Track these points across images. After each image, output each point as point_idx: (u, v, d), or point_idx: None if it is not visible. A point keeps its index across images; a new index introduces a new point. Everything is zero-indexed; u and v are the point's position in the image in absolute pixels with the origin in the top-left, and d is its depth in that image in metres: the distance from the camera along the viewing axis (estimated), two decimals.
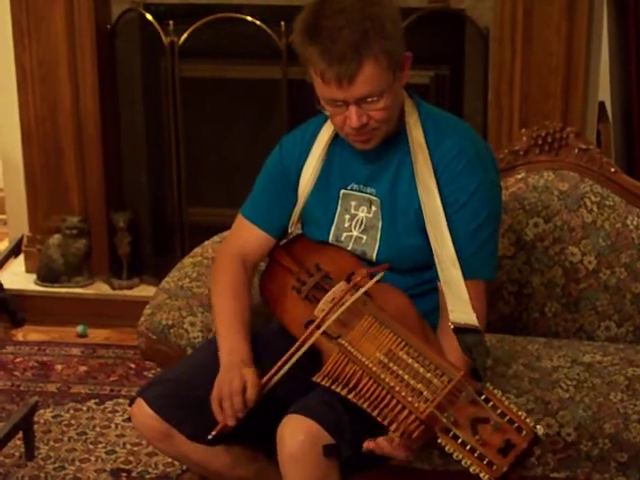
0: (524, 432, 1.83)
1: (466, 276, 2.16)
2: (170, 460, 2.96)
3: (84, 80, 3.87)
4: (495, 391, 1.88)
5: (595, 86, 3.67)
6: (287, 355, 2.18)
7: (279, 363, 2.18)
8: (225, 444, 2.29)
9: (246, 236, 2.43)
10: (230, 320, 2.31)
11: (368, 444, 2.01)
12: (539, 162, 2.80)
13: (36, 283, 4.04)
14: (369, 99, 2.13)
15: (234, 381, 2.17)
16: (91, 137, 3.93)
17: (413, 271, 2.27)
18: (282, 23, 3.69)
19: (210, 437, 2.19)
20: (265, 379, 2.19)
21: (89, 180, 3.98)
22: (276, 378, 2.19)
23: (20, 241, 4.11)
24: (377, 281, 2.23)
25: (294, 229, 2.44)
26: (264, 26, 3.72)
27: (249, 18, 3.74)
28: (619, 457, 2.33)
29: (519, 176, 2.79)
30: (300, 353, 2.17)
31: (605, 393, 2.39)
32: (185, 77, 3.86)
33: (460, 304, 2.13)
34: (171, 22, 3.79)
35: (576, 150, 2.77)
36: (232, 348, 2.26)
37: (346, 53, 2.08)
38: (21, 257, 4.14)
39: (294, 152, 2.39)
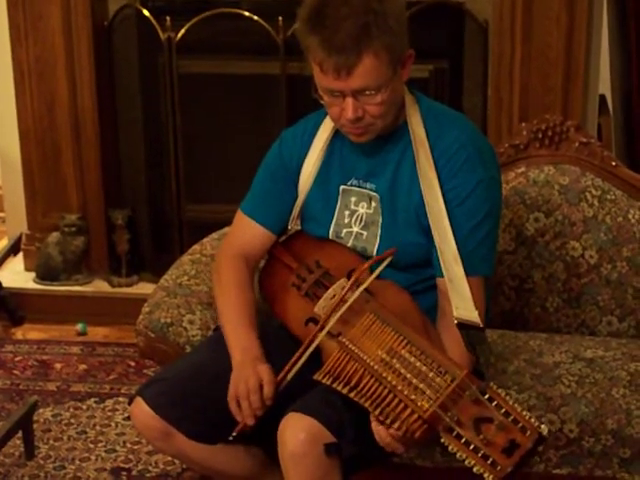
0: (528, 432, 1.81)
1: (466, 272, 2.15)
2: (170, 459, 2.95)
3: (81, 77, 3.86)
4: (499, 390, 1.87)
5: (595, 79, 3.66)
6: (297, 353, 2.16)
7: (292, 360, 2.17)
8: (225, 443, 2.28)
9: (246, 233, 2.42)
10: (238, 319, 2.30)
11: (373, 422, 1.99)
12: (539, 156, 2.78)
13: (35, 281, 4.03)
14: (366, 92, 2.12)
15: (250, 379, 2.16)
16: (89, 134, 3.92)
17: (413, 268, 2.26)
18: (280, 18, 3.67)
19: (231, 437, 2.19)
20: (280, 376, 2.17)
21: (87, 177, 3.97)
22: (290, 375, 2.17)
23: (19, 239, 4.10)
24: (379, 277, 2.22)
25: (293, 225, 2.43)
26: (262, 21, 3.71)
27: (246, 13, 3.73)
28: (622, 453, 2.32)
29: (519, 170, 2.77)
30: (309, 351, 2.16)
31: (607, 389, 2.37)
32: (183, 73, 3.85)
33: (463, 301, 2.12)
34: (168, 18, 3.78)
35: (577, 144, 2.76)
36: (244, 347, 2.24)
37: (346, 44, 2.07)
38: (20, 255, 4.14)
39: (294, 147, 2.37)
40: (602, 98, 3.82)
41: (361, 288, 2.16)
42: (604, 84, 3.84)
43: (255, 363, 2.20)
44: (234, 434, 2.18)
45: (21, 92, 3.91)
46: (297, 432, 2.06)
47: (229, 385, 2.20)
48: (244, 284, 2.38)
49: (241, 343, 2.25)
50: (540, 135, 2.78)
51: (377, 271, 2.19)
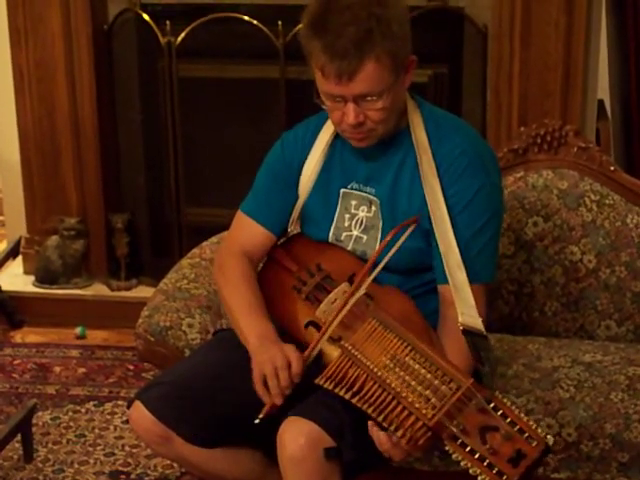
0: (535, 442, 1.80)
1: (469, 279, 2.15)
2: (169, 462, 2.95)
3: (81, 81, 3.86)
4: (505, 400, 1.86)
5: (594, 84, 3.66)
6: (312, 344, 2.15)
7: (317, 337, 2.15)
8: (224, 446, 2.28)
9: (247, 233, 2.41)
10: (251, 309, 2.28)
11: (372, 428, 1.99)
12: (538, 161, 2.79)
13: (34, 285, 4.03)
14: (368, 98, 2.12)
15: (277, 357, 2.13)
16: (89, 138, 3.92)
17: (413, 273, 2.26)
18: (279, 22, 3.68)
19: (258, 420, 2.13)
20: (307, 352, 2.15)
21: (87, 181, 3.98)
22: (314, 352, 2.15)
23: (18, 243, 4.10)
24: (380, 283, 2.22)
25: (293, 228, 2.42)
26: (261, 25, 3.71)
27: (246, 18, 3.74)
28: (620, 457, 2.32)
29: (518, 175, 2.78)
30: (318, 348, 2.15)
31: (606, 393, 2.37)
32: (182, 77, 3.85)
33: (467, 307, 2.12)
34: (168, 22, 3.79)
35: (575, 148, 2.76)
36: (260, 334, 2.22)
37: (348, 49, 2.07)
38: (19, 259, 4.14)
39: (295, 148, 2.37)
40: (601, 103, 3.83)
41: (363, 288, 2.15)
42: (603, 89, 3.85)
43: (278, 344, 2.18)
44: (261, 416, 2.13)
45: (21, 96, 3.91)
46: (297, 436, 2.06)
47: (253, 369, 2.15)
48: (250, 278, 2.36)
49: (256, 330, 2.23)
50: (539, 140, 2.78)
51: (377, 269, 2.18)
